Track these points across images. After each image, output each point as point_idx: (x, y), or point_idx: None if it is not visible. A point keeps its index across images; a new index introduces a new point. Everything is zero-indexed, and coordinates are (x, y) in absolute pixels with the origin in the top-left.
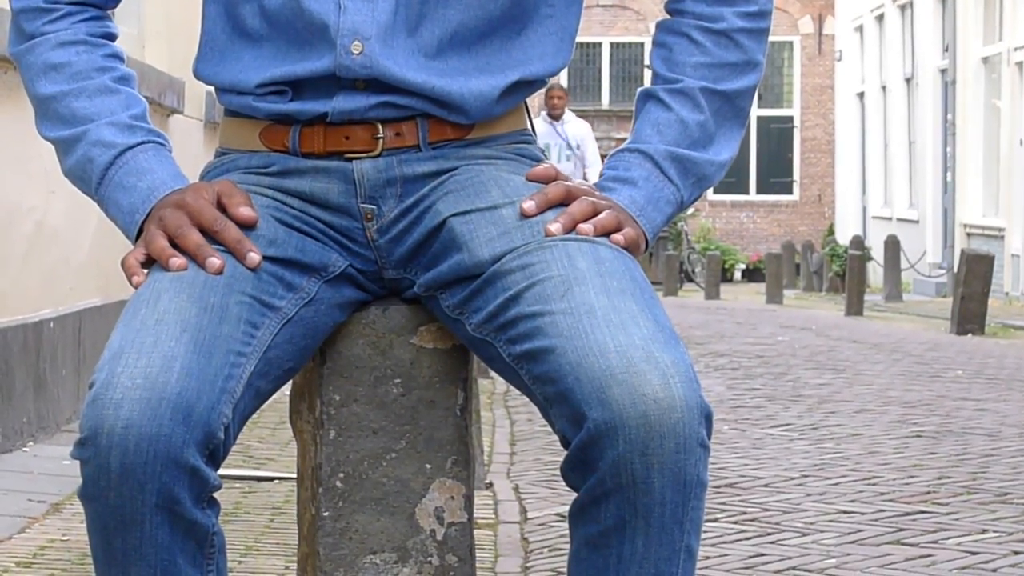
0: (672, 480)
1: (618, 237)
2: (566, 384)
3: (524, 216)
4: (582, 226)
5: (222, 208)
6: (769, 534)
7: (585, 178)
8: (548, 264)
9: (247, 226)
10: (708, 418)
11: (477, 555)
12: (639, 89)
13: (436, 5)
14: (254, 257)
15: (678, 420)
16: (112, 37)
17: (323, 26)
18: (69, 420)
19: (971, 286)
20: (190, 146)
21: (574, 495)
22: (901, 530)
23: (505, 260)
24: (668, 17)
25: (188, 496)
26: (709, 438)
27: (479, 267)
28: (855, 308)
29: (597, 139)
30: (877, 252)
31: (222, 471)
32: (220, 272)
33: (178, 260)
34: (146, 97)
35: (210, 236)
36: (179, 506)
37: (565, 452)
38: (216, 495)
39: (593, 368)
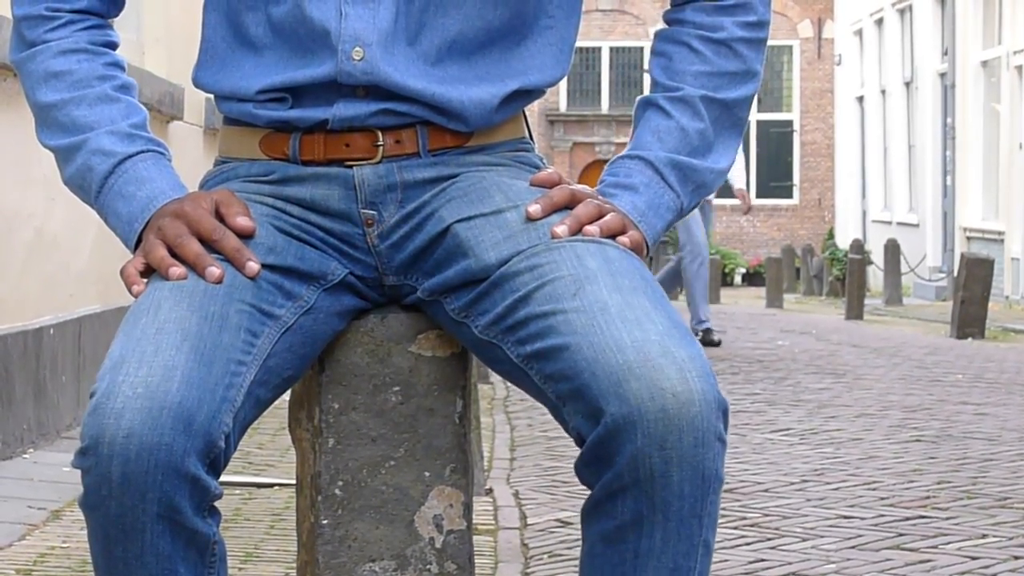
0: (691, 474)
1: (623, 239)
2: (582, 380)
3: (529, 219)
4: (588, 228)
5: (220, 217)
6: (769, 539)
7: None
8: (558, 264)
9: (245, 235)
10: (725, 412)
11: (477, 561)
12: (639, 97)
13: (435, 14)
14: (253, 266)
15: (696, 414)
16: (113, 46)
17: (324, 32)
18: (69, 427)
19: (971, 290)
20: (190, 152)
21: (575, 501)
22: (901, 535)
23: (512, 262)
24: (667, 27)
25: (189, 505)
26: (726, 432)
27: (486, 271)
28: (855, 312)
29: (596, 144)
30: (877, 256)
31: (222, 477)
32: (219, 281)
33: (178, 269)
34: (145, 103)
35: (209, 245)
36: (180, 515)
37: (579, 450)
38: (216, 503)
39: (610, 363)
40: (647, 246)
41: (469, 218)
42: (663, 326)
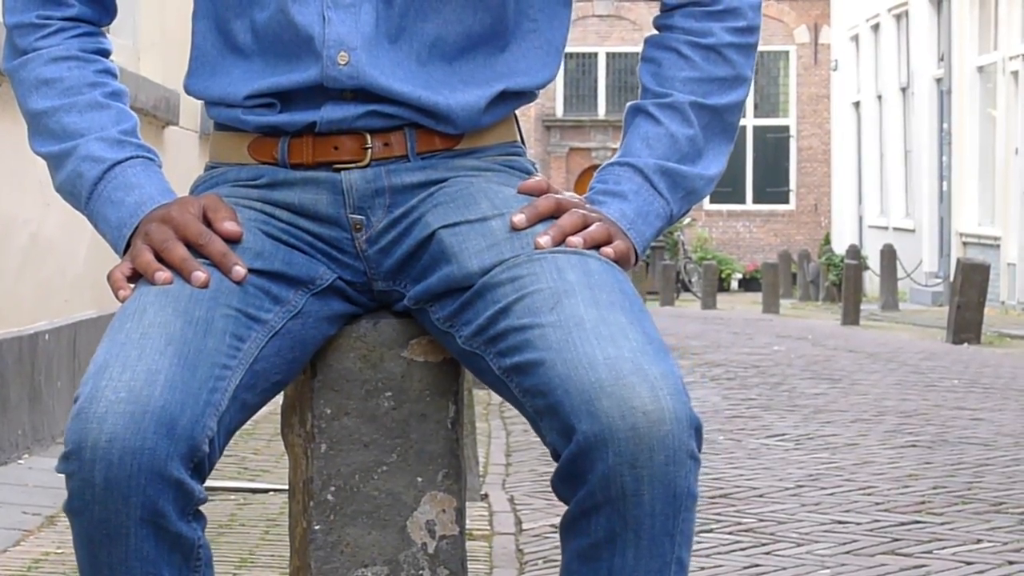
0: (662, 492)
1: (608, 250)
2: (555, 397)
3: (514, 229)
4: (572, 239)
5: (208, 222)
6: (764, 545)
7: None
8: (538, 277)
9: (232, 240)
10: (698, 430)
11: (472, 567)
12: (628, 103)
13: (415, 19)
14: (239, 270)
15: (667, 432)
16: (105, 53)
17: (308, 38)
18: (64, 432)
19: (967, 295)
20: (185, 158)
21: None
22: (896, 540)
23: (495, 272)
24: (656, 32)
25: (173, 509)
26: (699, 450)
27: (468, 279)
28: (851, 317)
29: (592, 149)
30: (873, 261)
31: (217, 483)
32: (205, 285)
33: (163, 274)
34: (141, 109)
35: (196, 250)
36: (164, 519)
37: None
38: (209, 507)
39: (582, 381)
40: (636, 254)
41: (454, 224)
42: (637, 343)
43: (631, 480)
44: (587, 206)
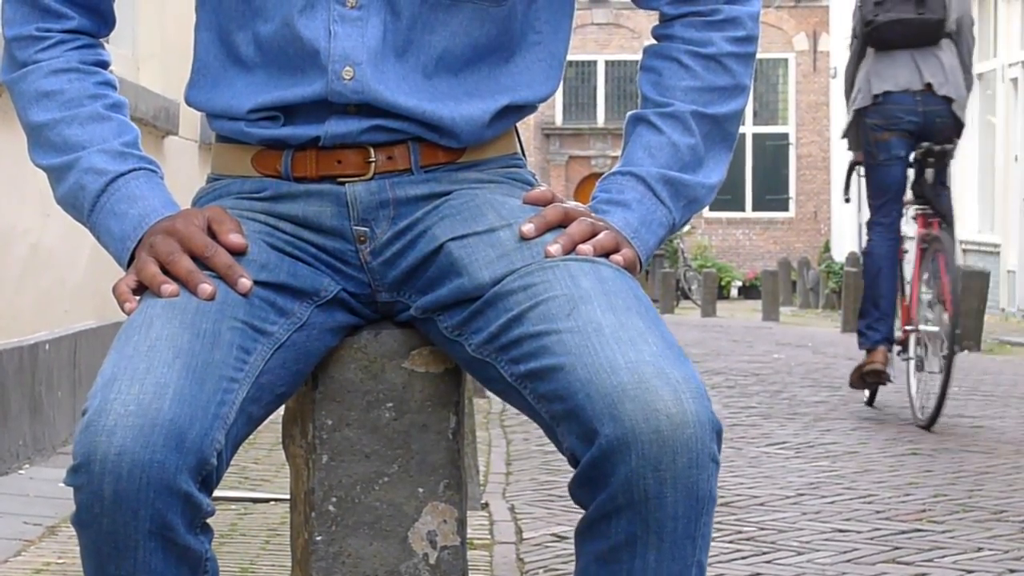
0: (685, 495)
1: (617, 258)
2: (576, 401)
3: (523, 238)
4: (582, 247)
5: (212, 234)
6: (765, 553)
7: None
8: (551, 284)
9: (237, 252)
10: (719, 433)
11: None
12: (629, 113)
13: (422, 31)
14: (245, 283)
15: (691, 435)
16: (105, 64)
17: (314, 52)
18: (65, 442)
19: (967, 303)
20: (185, 167)
21: (571, 515)
22: (896, 548)
23: (506, 281)
24: (656, 42)
25: (181, 522)
26: (719, 453)
27: (479, 290)
28: (851, 325)
29: (592, 157)
30: None
31: (217, 492)
32: (212, 298)
33: (170, 286)
34: (141, 119)
35: (201, 262)
36: (172, 532)
37: (573, 471)
38: (211, 518)
39: (604, 384)
40: (640, 263)
41: (462, 236)
42: (657, 347)
43: (654, 483)
44: (593, 215)
